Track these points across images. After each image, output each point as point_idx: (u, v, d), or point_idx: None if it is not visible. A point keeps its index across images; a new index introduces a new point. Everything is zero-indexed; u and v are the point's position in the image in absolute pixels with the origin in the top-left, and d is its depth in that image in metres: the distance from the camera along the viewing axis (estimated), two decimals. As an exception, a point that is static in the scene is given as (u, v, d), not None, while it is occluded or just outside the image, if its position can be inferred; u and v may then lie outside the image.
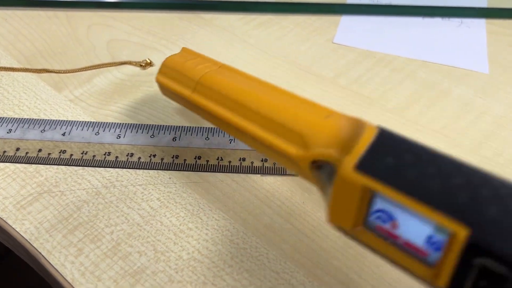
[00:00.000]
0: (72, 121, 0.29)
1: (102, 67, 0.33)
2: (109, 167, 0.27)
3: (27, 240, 0.23)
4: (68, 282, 0.22)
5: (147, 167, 0.27)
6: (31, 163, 0.27)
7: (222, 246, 0.23)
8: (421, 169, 0.16)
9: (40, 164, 0.27)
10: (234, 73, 0.26)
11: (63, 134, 0.28)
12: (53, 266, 0.22)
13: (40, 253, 0.23)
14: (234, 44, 0.37)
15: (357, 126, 0.20)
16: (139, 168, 0.27)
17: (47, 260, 0.22)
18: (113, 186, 0.26)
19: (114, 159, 0.27)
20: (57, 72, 0.32)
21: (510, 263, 0.13)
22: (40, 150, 0.27)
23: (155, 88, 0.32)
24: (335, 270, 0.22)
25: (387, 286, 0.22)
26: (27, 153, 0.27)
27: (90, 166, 0.27)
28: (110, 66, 0.33)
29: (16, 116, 0.30)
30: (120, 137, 0.28)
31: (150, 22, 0.39)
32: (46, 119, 0.29)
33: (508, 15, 0.40)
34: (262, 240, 0.23)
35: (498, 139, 0.29)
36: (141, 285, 0.21)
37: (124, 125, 0.29)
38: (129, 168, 0.27)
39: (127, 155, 0.27)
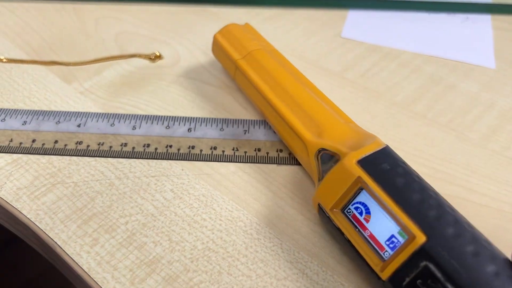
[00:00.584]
0: (87, 112, 0.29)
1: (111, 60, 0.33)
2: (127, 157, 0.27)
3: (42, 230, 0.23)
4: (85, 271, 0.22)
5: (164, 158, 0.27)
6: (48, 154, 0.27)
7: (236, 237, 0.23)
8: (407, 183, 0.20)
9: (57, 155, 0.27)
10: (282, 59, 0.30)
11: (78, 126, 0.29)
12: (69, 256, 0.22)
13: (56, 242, 0.23)
14: (242, 38, 0.37)
15: (369, 137, 0.23)
16: (156, 159, 0.27)
17: (63, 250, 0.23)
18: (126, 178, 0.26)
19: (131, 149, 0.27)
20: (66, 65, 0.33)
21: (447, 271, 0.17)
22: (56, 142, 0.28)
23: (165, 80, 0.33)
24: (348, 260, 0.23)
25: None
26: (43, 144, 0.27)
27: (108, 157, 0.27)
28: (119, 58, 0.33)
29: (27, 108, 0.30)
30: (135, 128, 0.29)
31: (158, 15, 0.39)
32: (60, 111, 0.29)
33: (512, 11, 0.41)
34: (275, 230, 0.24)
35: (505, 133, 0.30)
36: (157, 274, 0.22)
37: (139, 116, 0.29)
38: (147, 158, 0.27)
39: (143, 146, 0.28)
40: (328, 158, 0.23)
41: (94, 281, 0.21)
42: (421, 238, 0.18)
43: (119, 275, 0.22)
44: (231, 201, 0.25)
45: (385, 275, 0.19)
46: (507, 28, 0.40)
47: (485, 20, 0.40)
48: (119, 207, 0.24)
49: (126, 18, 0.39)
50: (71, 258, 0.22)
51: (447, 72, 0.35)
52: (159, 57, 0.34)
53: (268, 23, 0.39)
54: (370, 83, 0.33)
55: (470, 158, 0.28)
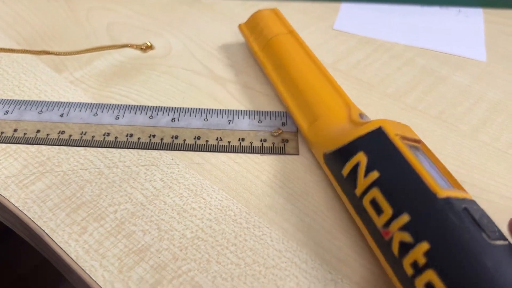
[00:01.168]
0: (70, 102, 0.29)
1: (103, 50, 0.33)
2: (108, 147, 0.27)
3: (30, 218, 0.23)
4: (73, 260, 0.22)
5: (146, 147, 0.27)
6: (30, 144, 0.27)
7: (225, 226, 0.23)
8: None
9: (39, 144, 0.27)
10: (297, 44, 0.31)
11: (61, 115, 0.28)
12: (57, 244, 0.22)
13: (44, 231, 0.23)
14: (234, 29, 0.37)
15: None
16: (139, 148, 0.27)
17: (51, 238, 0.22)
18: (116, 167, 0.26)
19: (113, 139, 0.27)
20: (57, 54, 0.32)
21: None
22: (38, 131, 0.27)
23: (156, 70, 0.32)
24: (337, 249, 0.23)
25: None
26: (25, 133, 0.27)
27: (90, 146, 0.27)
28: (111, 48, 0.33)
29: (16, 97, 0.30)
30: (118, 118, 0.28)
31: (150, 6, 0.39)
32: (43, 101, 0.29)
33: (504, 5, 0.41)
34: (264, 220, 0.24)
35: (495, 125, 0.30)
36: (145, 262, 0.22)
37: (122, 106, 0.29)
38: (129, 148, 0.27)
39: (126, 136, 0.27)
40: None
41: (82, 269, 0.21)
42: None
43: (107, 263, 0.22)
44: (221, 191, 0.25)
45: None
46: (498, 22, 0.40)
47: (477, 14, 0.40)
48: (108, 195, 0.24)
49: (117, 8, 0.38)
50: (59, 246, 0.22)
51: (438, 64, 0.35)
52: (150, 47, 0.33)
53: (261, 15, 0.39)
54: (362, 74, 0.33)
55: (461, 149, 0.28)
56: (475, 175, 0.27)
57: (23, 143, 0.27)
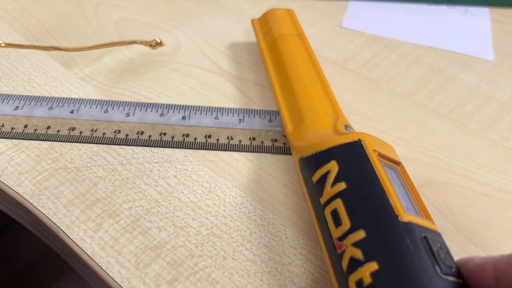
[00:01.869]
0: (80, 98, 0.29)
1: (112, 46, 0.33)
2: (119, 144, 0.27)
3: (45, 214, 0.23)
4: (89, 256, 0.22)
5: (157, 145, 0.27)
6: (41, 140, 0.27)
7: (240, 223, 0.23)
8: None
9: (50, 140, 0.27)
10: (303, 47, 0.31)
11: (71, 112, 0.28)
12: (73, 241, 0.22)
13: (59, 227, 0.23)
14: (242, 26, 0.37)
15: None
16: (150, 146, 0.27)
17: (66, 235, 0.22)
18: (129, 163, 0.26)
19: (124, 136, 0.27)
20: (67, 50, 0.32)
21: None
22: (49, 127, 0.27)
23: (166, 67, 0.32)
24: (351, 246, 0.23)
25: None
26: (35, 130, 0.27)
27: (101, 144, 0.27)
28: (120, 45, 0.33)
29: (26, 93, 0.29)
30: (129, 115, 0.28)
31: (158, 2, 0.39)
32: (53, 97, 0.29)
33: (510, 4, 0.41)
34: (279, 217, 0.24)
35: (504, 124, 0.30)
36: (161, 259, 0.22)
37: (133, 103, 0.29)
38: (140, 145, 0.27)
39: (137, 133, 0.27)
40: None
41: (99, 265, 0.21)
42: None
43: (124, 260, 0.22)
44: (235, 188, 0.25)
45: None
46: (504, 21, 0.40)
47: (483, 13, 0.40)
48: (122, 192, 0.24)
49: (125, 4, 0.38)
50: (75, 243, 0.22)
51: (447, 63, 0.35)
52: (160, 43, 0.33)
53: (269, 12, 0.39)
54: (371, 73, 0.33)
55: (470, 148, 0.28)
56: (485, 174, 0.27)
57: (33, 139, 0.27)
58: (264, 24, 0.33)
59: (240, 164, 0.26)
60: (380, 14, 0.39)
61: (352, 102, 0.31)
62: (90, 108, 0.29)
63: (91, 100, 0.29)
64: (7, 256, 0.67)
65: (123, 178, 0.25)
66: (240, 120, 0.29)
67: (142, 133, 0.27)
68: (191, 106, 0.29)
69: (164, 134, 0.27)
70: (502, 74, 0.34)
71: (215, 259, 0.22)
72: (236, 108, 0.29)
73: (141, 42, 0.33)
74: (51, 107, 0.29)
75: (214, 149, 0.27)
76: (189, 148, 0.27)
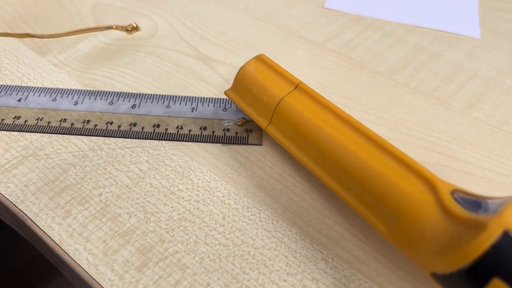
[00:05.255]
0: (30, 87, 0.28)
1: (87, 32, 0.32)
2: (64, 133, 0.26)
3: (12, 202, 0.22)
4: (56, 243, 0.21)
5: (103, 134, 0.26)
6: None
7: (213, 207, 0.23)
8: None
9: None
10: (312, 100, 0.23)
11: (19, 100, 0.27)
12: (40, 228, 0.22)
13: (26, 215, 0.22)
14: (222, 9, 0.36)
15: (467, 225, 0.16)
16: (94, 136, 0.26)
17: (33, 222, 0.22)
18: (100, 149, 0.25)
19: (69, 125, 0.26)
20: (40, 37, 0.31)
21: None
22: None
23: (142, 52, 0.32)
24: (327, 228, 0.22)
25: (375, 241, 0.22)
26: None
27: (45, 133, 0.26)
28: (95, 30, 0.32)
29: (-2, 81, 0.29)
30: (77, 103, 0.27)
31: (135, -13, 0.38)
32: (1, 85, 0.28)
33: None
34: (253, 200, 0.23)
35: (489, 101, 0.29)
36: (131, 245, 0.21)
37: (82, 91, 0.28)
38: (84, 135, 0.26)
39: (83, 122, 0.26)
40: None
41: (66, 253, 0.21)
42: None
43: (92, 247, 0.21)
44: (209, 172, 0.24)
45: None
46: (492, -2, 0.39)
47: (470, -10, 0.39)
48: (92, 178, 0.24)
49: (102, -10, 0.37)
50: (42, 230, 0.22)
51: (431, 41, 0.34)
52: (136, 28, 0.33)
53: (250, -6, 0.38)
54: (353, 53, 0.33)
55: (453, 126, 0.27)
56: (468, 152, 0.26)
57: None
58: (244, 92, 0.25)
59: (215, 148, 0.26)
60: (364, -6, 0.38)
61: (332, 82, 0.30)
62: (39, 96, 0.28)
63: (39, 88, 0.28)
64: (6, 252, 0.66)
65: (93, 164, 0.24)
66: (193, 109, 0.28)
67: (88, 122, 0.26)
68: (142, 94, 0.28)
69: (111, 123, 0.26)
70: (487, 51, 0.33)
71: (186, 244, 0.21)
72: (190, 97, 0.28)
73: (117, 27, 0.32)
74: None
75: (162, 139, 0.26)
76: (136, 138, 0.26)
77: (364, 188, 0.19)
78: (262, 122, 0.24)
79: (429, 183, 0.18)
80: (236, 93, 0.25)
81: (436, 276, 0.17)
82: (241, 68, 0.25)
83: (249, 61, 0.25)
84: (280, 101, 0.23)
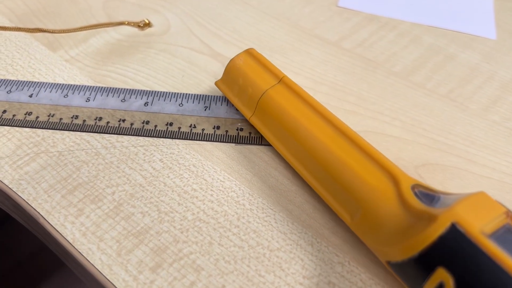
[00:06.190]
0: (41, 82, 0.28)
1: (99, 27, 0.32)
2: (76, 130, 0.25)
3: (25, 200, 0.22)
4: (69, 242, 0.21)
5: (115, 132, 0.25)
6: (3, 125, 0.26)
7: (228, 207, 0.22)
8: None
9: (5, 125, 0.26)
10: (293, 94, 0.24)
11: (30, 96, 0.27)
12: (52, 227, 0.21)
13: (39, 213, 0.22)
14: (235, 6, 0.36)
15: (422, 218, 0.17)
16: (107, 133, 0.25)
17: (46, 220, 0.22)
18: (113, 147, 0.25)
19: (81, 122, 0.26)
20: (52, 32, 0.31)
21: None
22: (4, 111, 0.26)
23: (154, 48, 0.31)
24: (343, 230, 0.22)
25: (396, 247, 0.21)
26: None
27: (57, 129, 0.25)
28: (107, 26, 0.32)
29: (9, 76, 0.28)
30: (89, 100, 0.27)
31: (147, -18, 0.38)
32: (12, 80, 0.28)
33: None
34: (268, 201, 0.23)
35: (506, 104, 0.29)
36: (145, 245, 0.21)
37: (94, 88, 0.28)
38: (97, 132, 0.25)
39: (95, 119, 0.26)
40: None
41: (79, 252, 0.20)
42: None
43: (105, 246, 0.21)
44: (223, 172, 0.24)
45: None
46: (508, -1, 0.38)
47: (486, -10, 0.39)
48: (105, 176, 0.23)
49: (114, -15, 0.37)
50: (55, 228, 0.21)
51: (447, 42, 0.33)
52: (148, 24, 0.32)
53: (262, -8, 0.37)
54: (367, 52, 0.32)
55: (470, 129, 0.27)
56: (486, 155, 0.26)
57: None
58: (232, 84, 0.26)
59: (229, 147, 0.25)
60: (378, -7, 0.38)
61: (347, 82, 0.29)
62: (50, 92, 0.27)
63: (51, 83, 0.28)
64: (9, 246, 0.66)
65: (106, 162, 0.24)
66: (206, 107, 0.27)
67: (100, 119, 0.26)
68: (155, 91, 0.28)
69: (123, 120, 0.26)
70: (505, 53, 0.33)
71: (201, 244, 0.21)
72: (203, 95, 0.28)
73: (129, 23, 0.32)
74: (10, 91, 0.27)
75: (175, 138, 0.25)
76: (149, 136, 0.25)
77: (332, 178, 0.21)
78: (246, 112, 0.25)
79: (393, 177, 0.19)
80: (225, 84, 0.27)
81: (390, 264, 0.18)
82: (230, 60, 0.26)
83: (238, 54, 0.26)
84: (263, 93, 0.24)
